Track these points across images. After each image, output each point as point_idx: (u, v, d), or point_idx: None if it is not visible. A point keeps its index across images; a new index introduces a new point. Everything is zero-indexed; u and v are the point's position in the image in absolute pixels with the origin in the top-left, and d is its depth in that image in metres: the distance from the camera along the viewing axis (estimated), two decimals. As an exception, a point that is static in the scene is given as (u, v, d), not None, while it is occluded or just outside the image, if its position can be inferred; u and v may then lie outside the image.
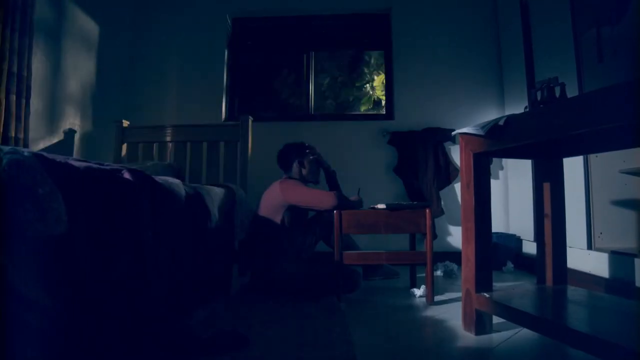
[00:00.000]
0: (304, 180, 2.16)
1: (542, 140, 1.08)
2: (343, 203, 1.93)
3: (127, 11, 3.11)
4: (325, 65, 3.50)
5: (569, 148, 1.35)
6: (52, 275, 0.85)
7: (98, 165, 1.12)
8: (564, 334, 1.03)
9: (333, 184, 2.26)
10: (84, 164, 1.03)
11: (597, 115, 0.89)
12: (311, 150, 2.22)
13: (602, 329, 1.02)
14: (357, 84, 3.58)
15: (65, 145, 2.36)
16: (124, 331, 1.08)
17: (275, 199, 1.98)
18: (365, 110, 3.51)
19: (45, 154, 0.92)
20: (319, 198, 1.94)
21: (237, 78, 3.33)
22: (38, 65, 2.10)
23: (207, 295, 1.73)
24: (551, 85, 1.23)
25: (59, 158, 0.97)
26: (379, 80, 3.54)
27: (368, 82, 3.59)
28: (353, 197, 2.06)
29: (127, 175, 1.20)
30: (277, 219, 1.97)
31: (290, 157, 2.17)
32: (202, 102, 3.10)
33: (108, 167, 1.17)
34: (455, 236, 2.89)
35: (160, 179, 1.43)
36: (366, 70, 3.62)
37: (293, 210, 1.99)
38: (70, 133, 2.42)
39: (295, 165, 2.15)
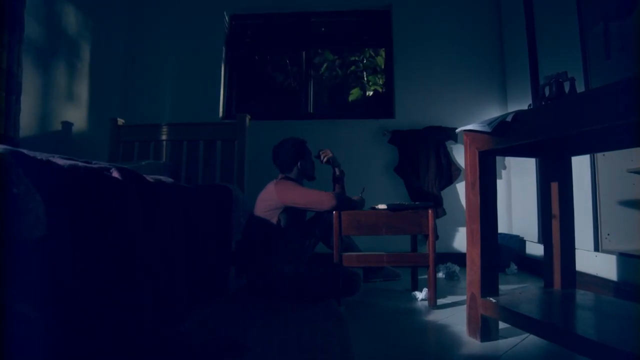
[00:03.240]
0: (301, 179, 2.09)
1: (553, 138, 1.03)
2: (344, 204, 1.87)
3: (123, 8, 3.05)
4: (321, 51, 3.45)
5: (578, 146, 1.30)
6: (31, 282, 0.79)
7: (85, 164, 1.07)
8: (573, 341, 0.98)
9: (339, 185, 2.19)
10: (68, 162, 0.98)
11: (615, 110, 0.83)
12: (307, 148, 2.14)
13: (612, 336, 0.97)
14: (352, 68, 3.52)
15: (59, 144, 2.30)
16: (113, 341, 1.02)
17: (270, 200, 1.92)
18: (352, 99, 3.44)
19: (25, 151, 0.87)
20: (318, 198, 1.87)
21: (235, 76, 3.27)
22: (30, 61, 2.05)
23: (203, 298, 1.67)
24: (560, 80, 1.17)
25: (41, 156, 0.92)
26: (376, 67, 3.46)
27: (363, 70, 3.52)
28: (355, 197, 1.99)
29: (115, 174, 1.14)
30: (273, 220, 1.92)
31: (292, 158, 2.06)
32: (200, 100, 3.05)
33: (96, 166, 1.11)
34: (457, 237, 2.84)
35: (152, 178, 1.37)
36: (357, 58, 3.56)
37: (289, 212, 1.93)
38: (64, 132, 2.36)
39: (297, 167, 2.07)
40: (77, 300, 0.92)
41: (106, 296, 1.01)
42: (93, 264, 0.98)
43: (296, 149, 2.07)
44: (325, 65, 3.48)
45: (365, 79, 3.53)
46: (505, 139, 1.15)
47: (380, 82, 3.33)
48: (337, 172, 2.18)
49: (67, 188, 0.91)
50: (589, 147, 1.41)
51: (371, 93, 3.46)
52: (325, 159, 2.16)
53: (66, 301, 0.88)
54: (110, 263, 1.04)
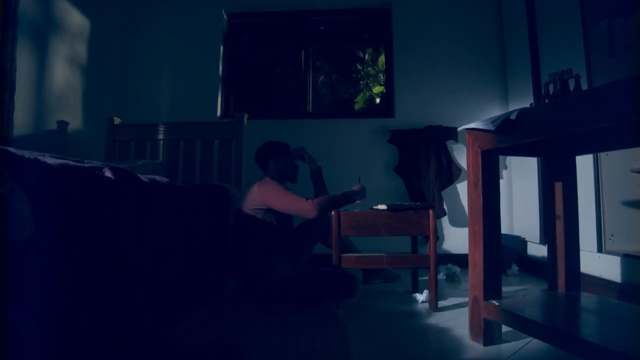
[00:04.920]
0: (282, 179, 2.04)
1: (557, 136, 1.00)
2: (325, 210, 1.79)
3: (120, 5, 3.02)
4: (319, 63, 3.45)
5: (583, 145, 1.27)
6: (23, 283, 0.76)
7: (76, 163, 1.04)
8: (578, 345, 0.95)
9: (317, 184, 2.13)
10: (58, 162, 0.95)
11: (621, 108, 0.80)
12: (288, 149, 2.09)
13: (617, 340, 0.95)
14: (354, 76, 3.51)
15: (54, 143, 2.26)
16: (113, 341, 0.99)
17: (255, 200, 1.88)
18: (359, 108, 3.41)
19: (11, 149, 0.84)
20: (301, 207, 1.79)
21: (233, 75, 3.24)
22: (24, 59, 2.01)
23: (200, 299, 1.64)
24: (565, 77, 1.14)
25: (29, 155, 0.89)
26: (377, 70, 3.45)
27: (362, 79, 3.51)
28: (356, 187, 1.94)
29: (108, 173, 1.11)
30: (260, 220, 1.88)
31: (267, 154, 2.03)
32: (197, 99, 3.02)
33: (87, 165, 1.08)
34: (458, 238, 2.81)
35: (146, 177, 1.34)
36: (359, 67, 3.53)
37: (275, 212, 1.88)
38: (59, 131, 2.33)
39: (271, 164, 2.02)
40: (72, 301, 0.89)
41: (102, 297, 0.98)
42: (87, 265, 0.95)
43: (271, 146, 2.03)
44: (322, 78, 3.46)
45: (366, 88, 3.52)
46: (509, 137, 1.12)
47: (382, 89, 3.32)
48: (314, 168, 2.13)
49: (56, 188, 0.88)
50: (594, 146, 1.38)
51: (378, 100, 3.44)
52: (298, 156, 2.12)
53: (61, 302, 0.86)
54: (105, 264, 1.01)
